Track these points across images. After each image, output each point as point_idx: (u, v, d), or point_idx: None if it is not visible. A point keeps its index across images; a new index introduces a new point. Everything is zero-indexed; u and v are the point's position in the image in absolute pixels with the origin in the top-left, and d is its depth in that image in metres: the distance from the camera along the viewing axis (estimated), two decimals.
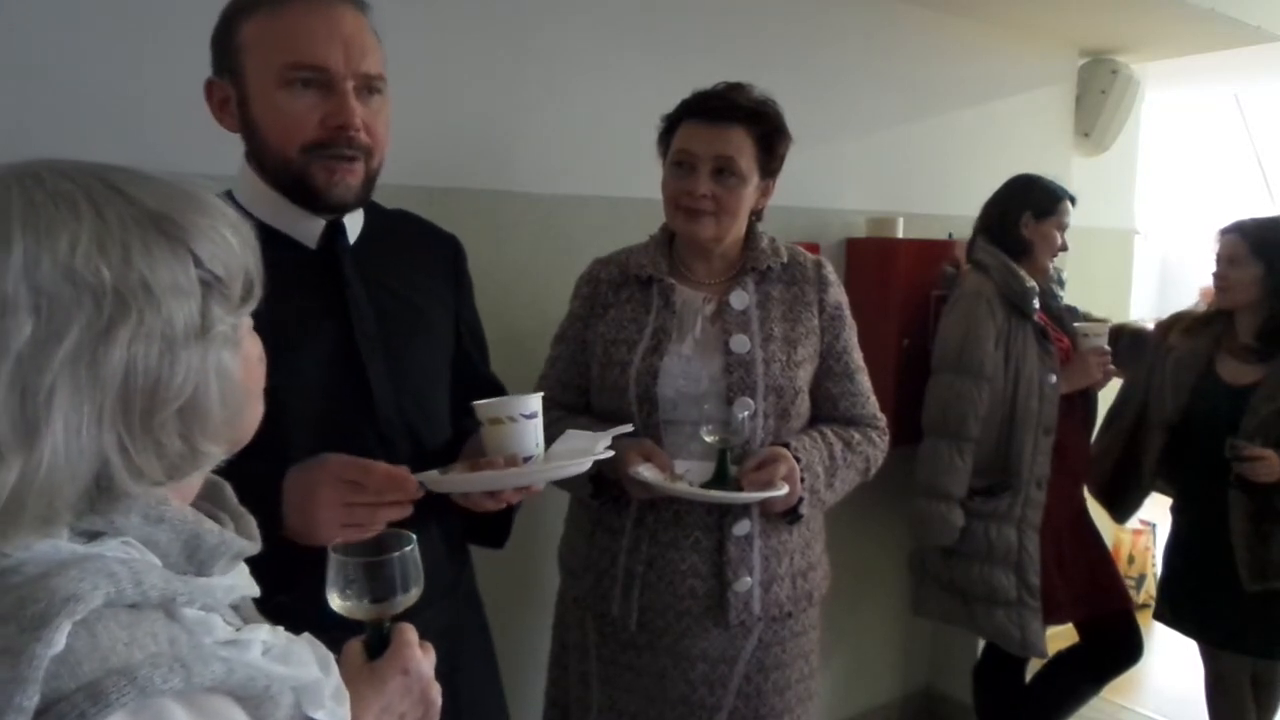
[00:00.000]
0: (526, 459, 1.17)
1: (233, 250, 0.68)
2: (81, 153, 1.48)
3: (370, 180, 1.19)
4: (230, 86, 1.15)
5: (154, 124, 1.59)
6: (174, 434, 0.64)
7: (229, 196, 1.20)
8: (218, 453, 0.69)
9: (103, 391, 0.60)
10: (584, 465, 1.23)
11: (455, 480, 1.15)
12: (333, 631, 0.79)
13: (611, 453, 1.27)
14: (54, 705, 0.54)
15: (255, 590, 0.74)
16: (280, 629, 0.71)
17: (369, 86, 1.15)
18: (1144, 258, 4.24)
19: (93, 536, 0.64)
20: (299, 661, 0.70)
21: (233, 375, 0.68)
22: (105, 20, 1.56)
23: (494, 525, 1.35)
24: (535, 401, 1.20)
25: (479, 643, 1.41)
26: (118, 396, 0.60)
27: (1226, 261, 2.31)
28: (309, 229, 1.21)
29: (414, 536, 0.86)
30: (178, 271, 0.63)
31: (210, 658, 0.62)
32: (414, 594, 0.85)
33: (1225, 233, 2.36)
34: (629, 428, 1.41)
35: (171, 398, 0.63)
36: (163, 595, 0.62)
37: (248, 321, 0.72)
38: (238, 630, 0.67)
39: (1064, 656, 2.48)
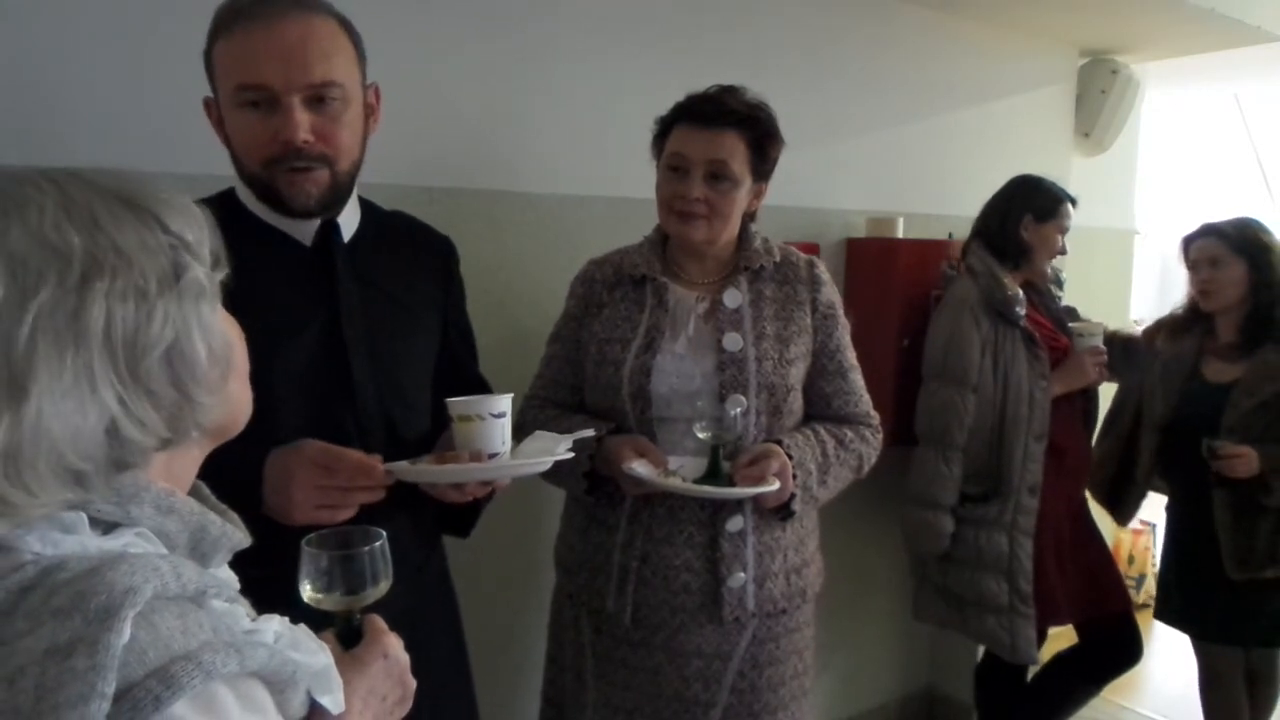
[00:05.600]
0: (492, 455, 1.23)
1: (198, 220, 0.72)
2: (80, 155, 1.49)
3: (337, 184, 1.23)
4: (216, 105, 1.22)
5: (153, 125, 1.60)
6: (165, 382, 0.67)
7: (232, 195, 1.24)
8: (213, 404, 0.71)
9: (87, 345, 0.62)
10: (543, 465, 1.28)
11: (421, 471, 1.21)
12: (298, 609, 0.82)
13: (572, 454, 1.32)
14: (127, 692, 0.58)
15: (237, 584, 0.77)
16: (286, 619, 0.74)
17: (318, 95, 1.17)
18: (1144, 258, 4.23)
19: (109, 528, 0.67)
20: (307, 649, 0.73)
21: (215, 327, 0.71)
22: (104, 22, 1.56)
23: (462, 516, 1.41)
24: (504, 402, 1.25)
25: (444, 625, 1.45)
26: (103, 348, 0.63)
27: (1209, 265, 2.35)
28: (304, 228, 1.26)
29: (383, 532, 0.90)
30: (145, 234, 0.67)
31: (255, 644, 0.66)
32: (384, 586, 0.89)
33: (1198, 238, 2.40)
34: (591, 431, 1.44)
35: (152, 344, 0.65)
36: (197, 588, 0.66)
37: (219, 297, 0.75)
38: (253, 621, 0.71)
39: (1064, 657, 2.49)
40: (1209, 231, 2.39)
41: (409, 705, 0.89)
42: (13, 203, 0.63)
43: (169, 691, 0.58)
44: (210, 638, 0.63)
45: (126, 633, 0.58)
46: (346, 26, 1.23)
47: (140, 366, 0.65)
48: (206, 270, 0.71)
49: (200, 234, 0.71)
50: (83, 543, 0.65)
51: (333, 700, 0.74)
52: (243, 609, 0.71)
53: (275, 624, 0.72)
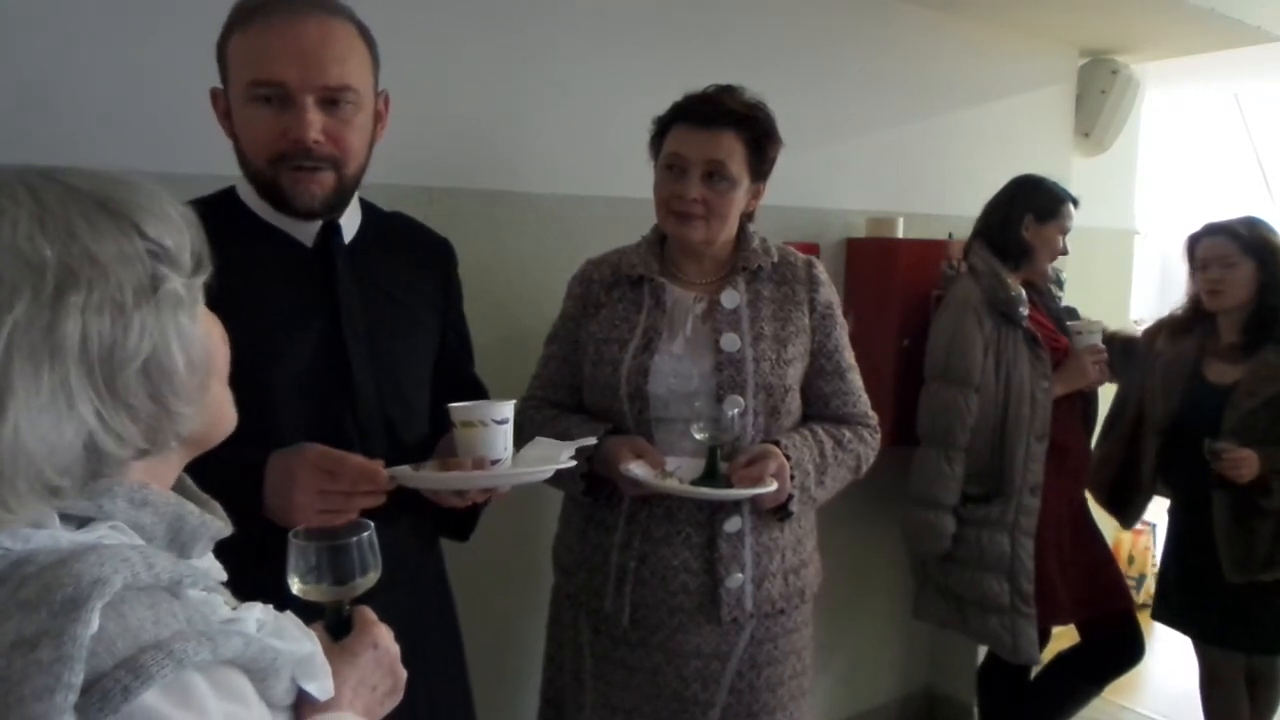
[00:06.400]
0: (494, 462, 1.22)
1: (177, 224, 0.70)
2: (81, 155, 1.49)
3: (342, 187, 1.23)
4: (225, 97, 1.22)
5: (153, 125, 1.60)
6: (142, 395, 0.66)
7: (232, 193, 1.24)
8: (191, 414, 0.71)
9: (63, 360, 0.61)
10: (545, 473, 1.28)
11: (425, 478, 1.21)
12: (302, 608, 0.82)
13: (574, 462, 1.31)
14: (96, 682, 0.58)
15: (224, 575, 0.77)
16: (270, 607, 0.74)
17: (332, 98, 1.18)
18: (1144, 258, 4.24)
19: (82, 523, 0.67)
20: (291, 637, 0.73)
21: (193, 337, 0.70)
22: (104, 22, 1.56)
23: (461, 520, 1.41)
24: (507, 408, 1.25)
25: (442, 627, 1.45)
26: (79, 363, 0.62)
27: (1219, 264, 2.33)
28: (305, 228, 1.26)
29: (371, 523, 0.90)
30: (123, 243, 0.66)
31: (229, 633, 0.66)
32: (372, 577, 0.88)
33: (1207, 236, 2.38)
34: (593, 440, 1.43)
35: (129, 358, 0.65)
36: (171, 578, 0.66)
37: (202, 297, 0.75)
38: (234, 609, 0.71)
39: (1066, 657, 2.49)
40: (1220, 230, 2.36)
41: (400, 696, 0.89)
42: None
43: (138, 681, 0.58)
44: (183, 627, 0.63)
45: (94, 624, 0.58)
46: (364, 33, 1.24)
47: (117, 380, 0.64)
48: (186, 278, 0.70)
49: (180, 239, 0.70)
50: (54, 537, 0.65)
51: (319, 687, 0.74)
52: (221, 598, 0.71)
53: (257, 612, 0.72)
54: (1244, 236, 2.31)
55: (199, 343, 0.71)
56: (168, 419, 0.68)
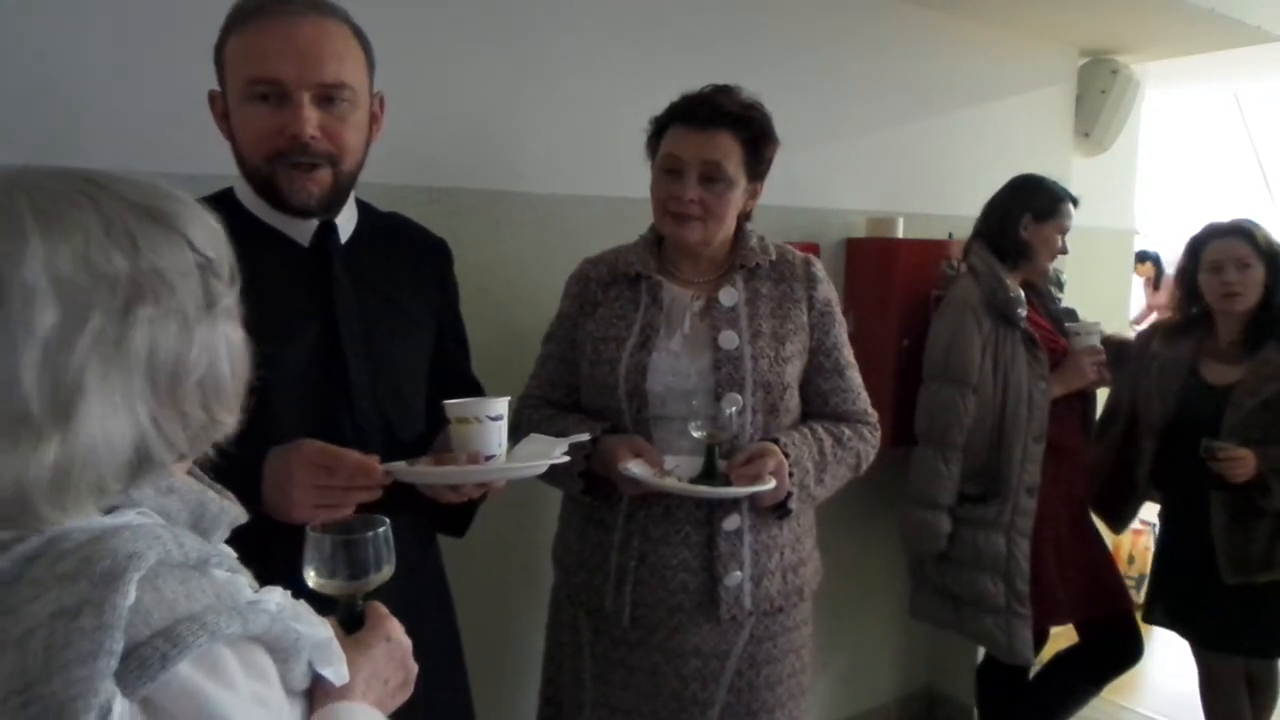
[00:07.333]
0: (488, 458, 1.24)
1: (217, 234, 0.73)
2: (81, 154, 1.49)
3: (339, 185, 1.25)
4: (222, 99, 1.24)
5: (153, 125, 1.60)
6: (196, 405, 0.69)
7: (230, 194, 1.24)
8: (231, 423, 0.74)
9: (131, 370, 0.64)
10: (539, 468, 1.29)
11: (419, 472, 1.22)
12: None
13: (568, 458, 1.33)
14: (134, 650, 0.60)
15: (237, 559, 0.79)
16: (288, 593, 0.76)
17: (328, 95, 1.20)
18: None
19: (111, 508, 0.69)
20: (309, 622, 0.75)
21: (238, 346, 0.74)
22: (103, 22, 1.56)
23: (457, 516, 1.43)
24: (501, 404, 1.26)
25: (440, 625, 1.46)
26: (145, 374, 0.65)
27: (1238, 266, 2.28)
28: (302, 228, 1.27)
29: (386, 519, 0.92)
30: (179, 257, 0.68)
31: (258, 610, 0.68)
32: (386, 572, 0.91)
33: (1218, 237, 2.33)
34: (586, 435, 1.44)
35: (191, 370, 0.68)
36: (199, 557, 0.68)
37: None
38: (255, 592, 0.73)
39: (1064, 657, 2.49)
40: (1234, 231, 2.32)
41: (410, 689, 0.91)
42: (57, 222, 0.64)
43: (175, 650, 0.61)
44: (214, 602, 0.66)
45: (132, 595, 0.60)
46: (359, 34, 1.25)
47: (178, 391, 0.67)
48: (228, 288, 0.73)
49: (220, 250, 0.73)
50: (86, 517, 0.67)
51: (335, 672, 0.76)
52: (245, 579, 0.73)
53: (277, 595, 0.73)
54: (1257, 238, 2.29)
55: (240, 353, 0.74)
56: (212, 427, 0.71)
